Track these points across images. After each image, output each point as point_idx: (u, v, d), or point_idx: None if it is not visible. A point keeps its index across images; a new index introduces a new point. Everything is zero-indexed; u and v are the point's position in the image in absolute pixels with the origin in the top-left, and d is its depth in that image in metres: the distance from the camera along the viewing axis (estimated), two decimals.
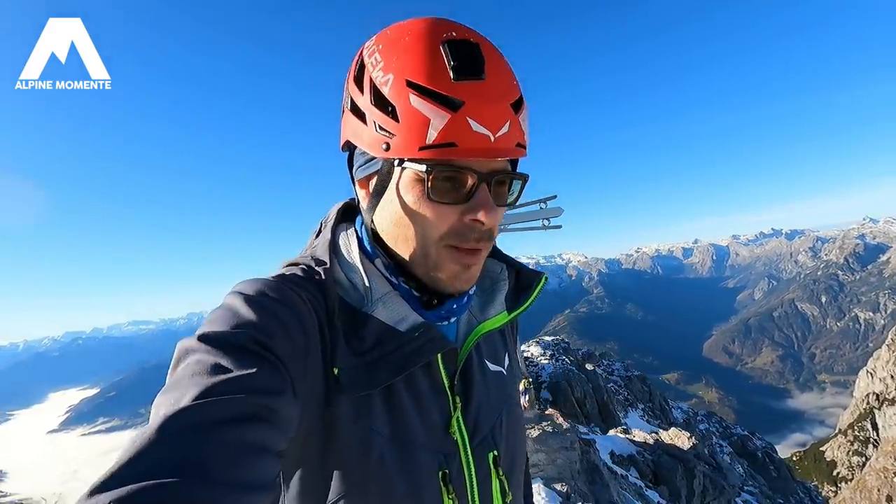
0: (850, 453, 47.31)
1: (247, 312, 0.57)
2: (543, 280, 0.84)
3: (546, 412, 11.66)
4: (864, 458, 44.95)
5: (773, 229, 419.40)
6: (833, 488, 44.45)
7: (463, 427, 0.71)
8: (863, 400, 49.01)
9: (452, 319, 0.75)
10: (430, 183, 0.61)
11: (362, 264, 0.70)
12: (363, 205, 0.72)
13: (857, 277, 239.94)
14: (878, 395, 46.89)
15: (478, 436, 0.73)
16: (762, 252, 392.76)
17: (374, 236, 0.72)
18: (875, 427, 45.99)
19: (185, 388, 0.49)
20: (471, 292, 0.76)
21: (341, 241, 0.75)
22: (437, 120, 0.58)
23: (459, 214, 0.64)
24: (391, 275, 0.70)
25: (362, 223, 0.74)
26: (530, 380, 12.52)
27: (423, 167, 0.61)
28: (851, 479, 42.62)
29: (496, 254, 0.88)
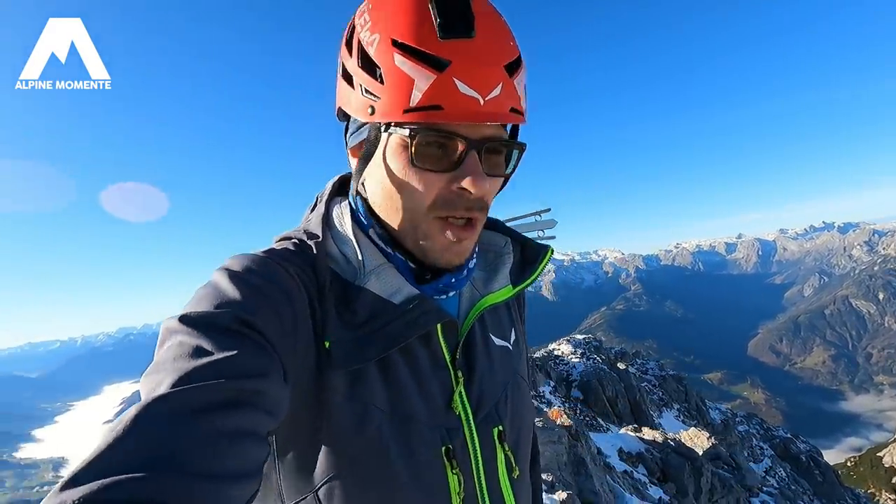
0: None
1: (231, 290, 0.55)
2: (549, 253, 0.80)
3: (577, 412, 11.66)
4: None
5: (824, 222, 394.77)
6: (892, 496, 41.68)
7: (466, 402, 0.69)
8: None
9: (451, 293, 0.73)
10: (413, 148, 0.59)
11: (355, 236, 0.68)
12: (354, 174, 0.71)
13: None
14: None
15: (482, 411, 0.70)
16: (812, 246, 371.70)
17: (368, 207, 0.70)
18: None
19: (164, 373, 0.48)
20: (470, 266, 0.73)
21: (335, 214, 0.73)
22: (422, 81, 0.56)
23: (447, 182, 0.61)
24: (385, 245, 0.68)
25: (358, 194, 0.72)
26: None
27: (407, 132, 0.58)
28: None
29: (499, 227, 0.85)
